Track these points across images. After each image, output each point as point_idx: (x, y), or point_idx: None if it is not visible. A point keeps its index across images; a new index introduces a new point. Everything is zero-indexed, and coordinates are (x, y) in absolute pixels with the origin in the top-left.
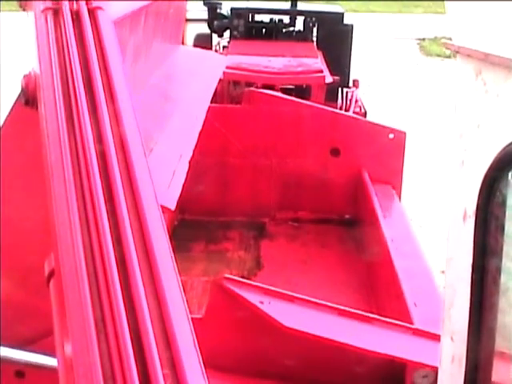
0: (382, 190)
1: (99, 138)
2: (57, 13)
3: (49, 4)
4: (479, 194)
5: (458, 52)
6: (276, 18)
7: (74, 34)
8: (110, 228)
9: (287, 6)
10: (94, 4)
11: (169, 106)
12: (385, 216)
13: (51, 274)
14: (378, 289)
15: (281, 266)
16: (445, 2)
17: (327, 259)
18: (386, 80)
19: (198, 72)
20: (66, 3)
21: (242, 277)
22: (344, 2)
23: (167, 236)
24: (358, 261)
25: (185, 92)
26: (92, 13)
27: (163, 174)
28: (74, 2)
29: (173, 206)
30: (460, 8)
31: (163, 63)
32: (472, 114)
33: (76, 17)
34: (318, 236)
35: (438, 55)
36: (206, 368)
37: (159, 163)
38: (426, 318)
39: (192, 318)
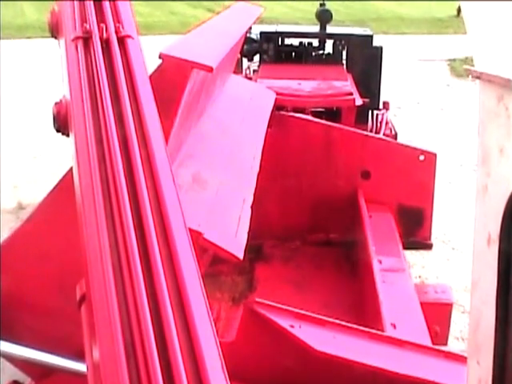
0: (378, 212)
1: (129, 166)
2: (87, 41)
3: (79, 33)
4: (503, 218)
5: (479, 78)
6: (305, 41)
7: (104, 63)
8: (140, 254)
9: (316, 29)
10: (124, 33)
11: (228, 141)
12: (374, 237)
13: (82, 298)
14: (364, 311)
15: (273, 289)
16: (466, 27)
17: (320, 281)
18: (417, 101)
19: (252, 107)
20: (96, 32)
21: (233, 299)
22: (374, 24)
23: (196, 260)
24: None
25: (241, 128)
26: (122, 41)
27: (230, 219)
28: (104, 31)
29: (241, 255)
30: (482, 33)
31: (220, 93)
32: (495, 138)
33: (106, 45)
34: (313, 258)
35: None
36: None
37: (225, 206)
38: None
39: (223, 342)
